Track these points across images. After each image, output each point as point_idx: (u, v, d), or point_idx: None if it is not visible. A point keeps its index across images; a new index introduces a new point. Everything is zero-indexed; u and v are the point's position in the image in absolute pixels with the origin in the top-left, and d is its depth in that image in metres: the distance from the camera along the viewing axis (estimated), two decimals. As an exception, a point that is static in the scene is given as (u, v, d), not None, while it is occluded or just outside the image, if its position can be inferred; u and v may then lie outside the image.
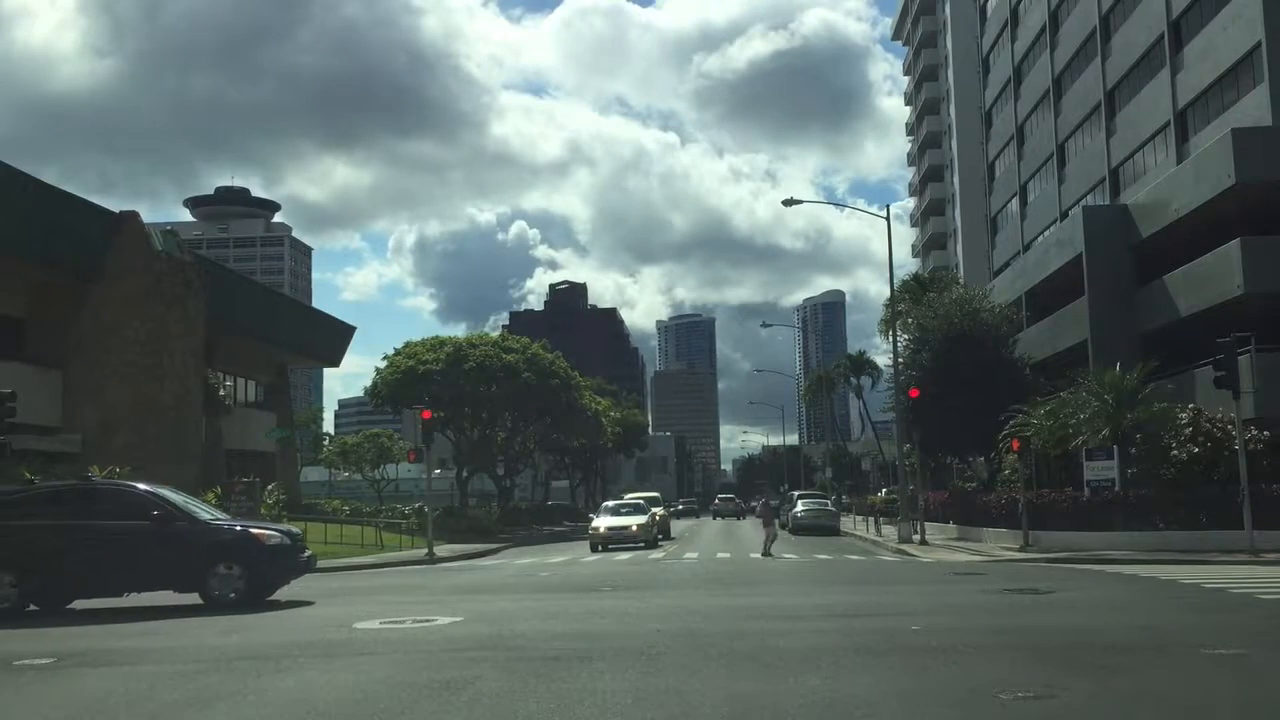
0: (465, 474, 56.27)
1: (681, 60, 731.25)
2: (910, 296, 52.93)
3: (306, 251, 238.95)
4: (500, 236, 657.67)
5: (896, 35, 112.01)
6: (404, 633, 13.00)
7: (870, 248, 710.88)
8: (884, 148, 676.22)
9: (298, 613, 15.92)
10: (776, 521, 36.19)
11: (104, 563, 16.79)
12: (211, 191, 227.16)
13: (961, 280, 61.92)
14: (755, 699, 8.31)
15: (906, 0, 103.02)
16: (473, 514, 51.98)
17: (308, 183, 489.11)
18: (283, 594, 17.92)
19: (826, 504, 54.29)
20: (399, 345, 55.68)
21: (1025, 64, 60.30)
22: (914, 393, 37.17)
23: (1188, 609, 14.66)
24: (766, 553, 30.45)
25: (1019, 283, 50.26)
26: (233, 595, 16.63)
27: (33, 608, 16.79)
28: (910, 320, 45.25)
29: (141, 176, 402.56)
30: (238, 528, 18.11)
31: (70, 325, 38.46)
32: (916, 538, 35.04)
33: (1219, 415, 28.40)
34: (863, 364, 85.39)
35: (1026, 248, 56.85)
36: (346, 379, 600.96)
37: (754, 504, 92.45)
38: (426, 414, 35.46)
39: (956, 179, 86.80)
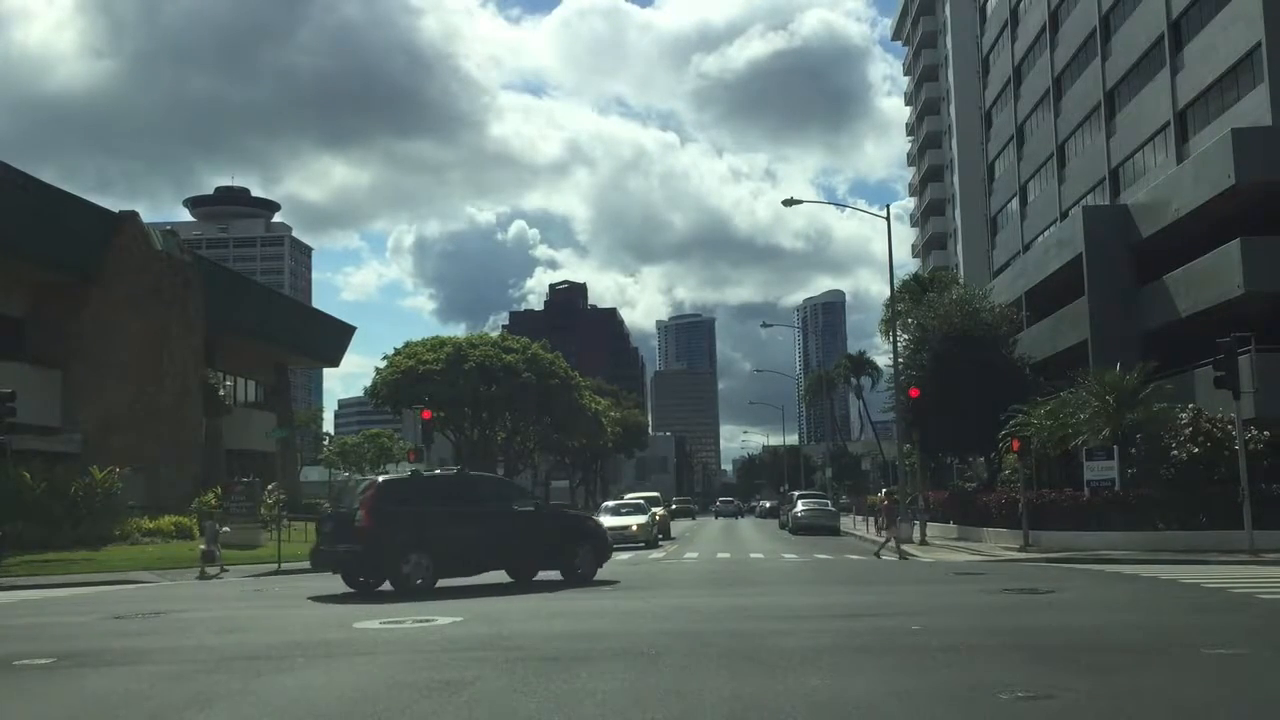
0: (465, 474, 56.25)
1: (680, 60, 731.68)
2: (910, 296, 52.95)
3: (306, 251, 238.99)
4: (500, 236, 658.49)
5: (896, 35, 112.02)
6: (404, 633, 13.00)
7: (870, 248, 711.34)
8: (884, 148, 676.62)
9: (298, 613, 15.92)
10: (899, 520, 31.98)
11: (495, 543, 19.08)
12: (210, 191, 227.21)
13: (961, 280, 61.92)
14: (755, 699, 8.31)
15: (906, 0, 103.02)
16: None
17: (307, 183, 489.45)
18: (278, 595, 17.90)
19: (826, 504, 54.31)
20: (399, 345, 55.86)
21: (1025, 64, 60.29)
22: (914, 393, 37.17)
23: (1188, 609, 14.66)
24: (902, 555, 28.01)
25: (1019, 283, 50.25)
26: (580, 572, 19.52)
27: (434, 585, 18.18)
28: (910, 320, 45.25)
29: (140, 176, 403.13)
30: (585, 517, 22.91)
31: (70, 325, 38.48)
32: (917, 538, 35.03)
33: (1219, 415, 28.40)
34: (863, 364, 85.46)
35: (1026, 248, 56.84)
36: (346, 379, 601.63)
37: (763, 503, 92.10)
38: (426, 414, 35.49)
39: (956, 179, 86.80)
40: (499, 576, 19.64)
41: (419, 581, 17.89)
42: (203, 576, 24.54)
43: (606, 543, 21.32)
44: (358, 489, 19.75)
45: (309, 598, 17.98)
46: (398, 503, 18.63)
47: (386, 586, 18.54)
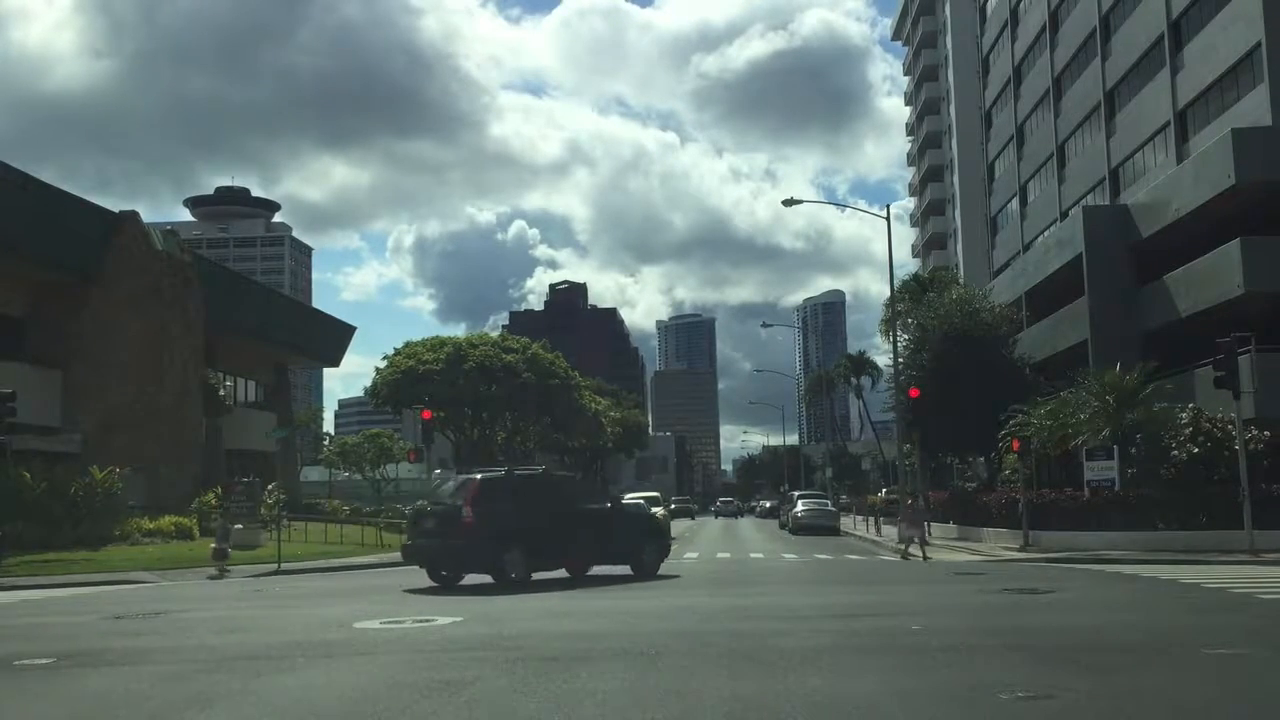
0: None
1: (680, 60, 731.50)
2: (910, 296, 52.97)
3: (306, 251, 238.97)
4: (500, 236, 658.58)
5: (896, 35, 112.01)
6: (404, 633, 13.00)
7: (870, 248, 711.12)
8: (884, 148, 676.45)
9: (298, 613, 15.92)
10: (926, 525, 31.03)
11: (580, 538, 20.20)
12: (210, 191, 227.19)
13: (961, 280, 61.92)
14: (755, 699, 8.31)
15: (906, 0, 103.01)
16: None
17: (306, 183, 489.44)
18: (279, 595, 17.91)
19: (826, 504, 54.31)
20: (399, 345, 55.78)
21: (1025, 64, 60.29)
22: (914, 393, 37.18)
23: (1188, 609, 14.66)
24: (923, 556, 27.42)
25: (1019, 283, 50.26)
26: (647, 567, 20.83)
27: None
28: (910, 320, 45.29)
29: (139, 176, 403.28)
30: (651, 515, 24.06)
31: (70, 325, 38.46)
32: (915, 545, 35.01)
33: (1219, 415, 28.41)
34: (863, 364, 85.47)
35: (1026, 248, 56.85)
36: (346, 379, 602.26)
37: (763, 503, 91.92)
38: (426, 414, 35.51)
39: (956, 179, 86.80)
40: (484, 574, 19.61)
41: (514, 575, 19.06)
42: (220, 575, 24.62)
43: (668, 540, 23.47)
44: (444, 486, 21.57)
45: (309, 598, 17.96)
46: (496, 500, 19.52)
47: (471, 579, 19.38)
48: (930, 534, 35.17)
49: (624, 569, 20.98)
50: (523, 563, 19.25)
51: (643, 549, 21.23)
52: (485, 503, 19.17)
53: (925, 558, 27.37)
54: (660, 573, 21.22)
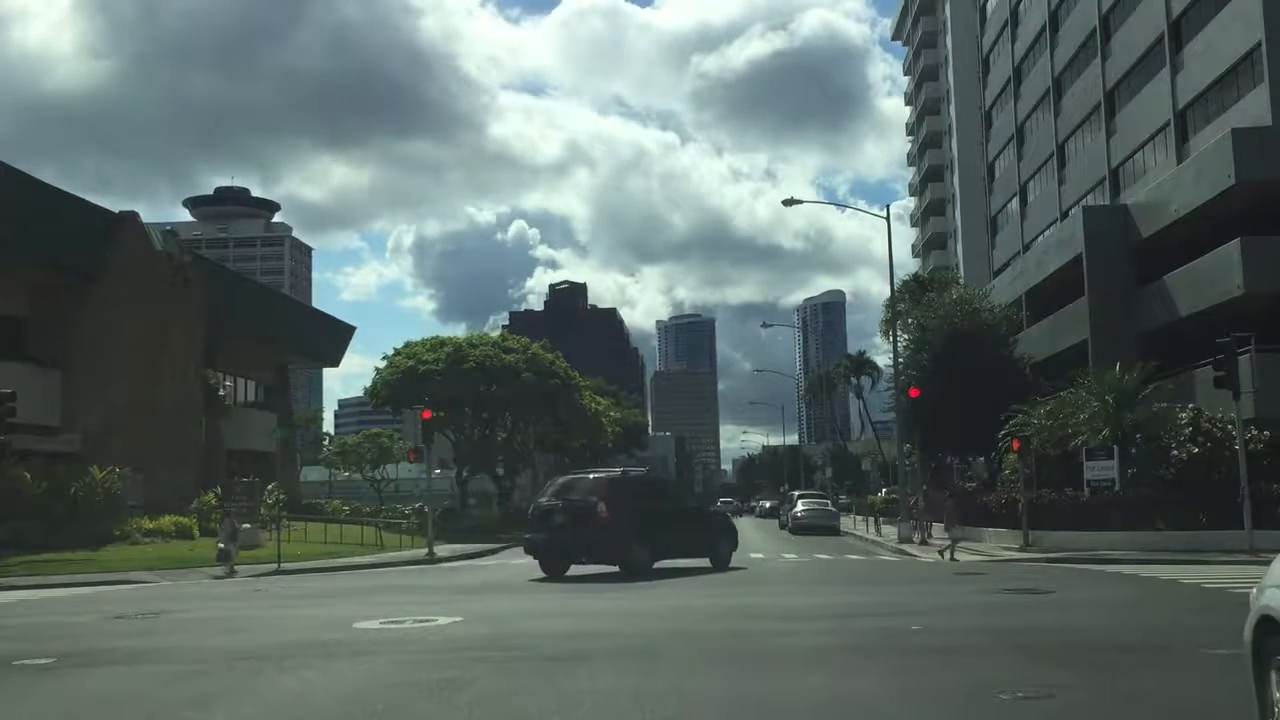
0: (465, 474, 56.22)
1: (680, 60, 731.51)
2: (910, 296, 52.93)
3: (306, 251, 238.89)
4: (500, 236, 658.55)
5: (896, 35, 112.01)
6: (404, 633, 13.00)
7: (870, 248, 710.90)
8: (884, 148, 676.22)
9: (298, 613, 15.92)
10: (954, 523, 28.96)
11: (680, 535, 22.65)
12: (209, 191, 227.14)
13: (961, 280, 61.92)
14: (755, 699, 8.31)
15: (906, 1, 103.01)
16: (473, 514, 51.91)
17: (306, 183, 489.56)
18: (279, 595, 17.91)
19: (827, 504, 54.27)
20: (399, 345, 55.62)
21: (1025, 64, 60.29)
22: (914, 393, 37.18)
23: (1187, 609, 14.66)
24: (952, 557, 26.69)
25: (1019, 283, 50.25)
26: (722, 560, 23.02)
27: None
28: (910, 320, 45.28)
29: (138, 176, 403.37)
30: (725, 514, 27.23)
31: (70, 325, 38.46)
32: (917, 538, 35.04)
33: (1219, 415, 28.40)
34: (863, 364, 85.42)
35: (1026, 248, 56.85)
36: (346, 379, 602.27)
37: (763, 503, 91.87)
38: (426, 414, 35.43)
39: (956, 179, 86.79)
40: (489, 574, 19.65)
41: (640, 563, 21.35)
42: (228, 574, 24.63)
43: (737, 537, 25.51)
44: (562, 485, 23.26)
45: (309, 598, 17.96)
46: (622, 497, 21.75)
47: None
48: (931, 534, 35.21)
49: (704, 561, 23.22)
50: (647, 553, 21.58)
51: (719, 544, 23.75)
52: (615, 500, 21.34)
53: (953, 558, 26.86)
54: (731, 565, 23.63)
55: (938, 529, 37.78)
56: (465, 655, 10.79)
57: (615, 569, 21.52)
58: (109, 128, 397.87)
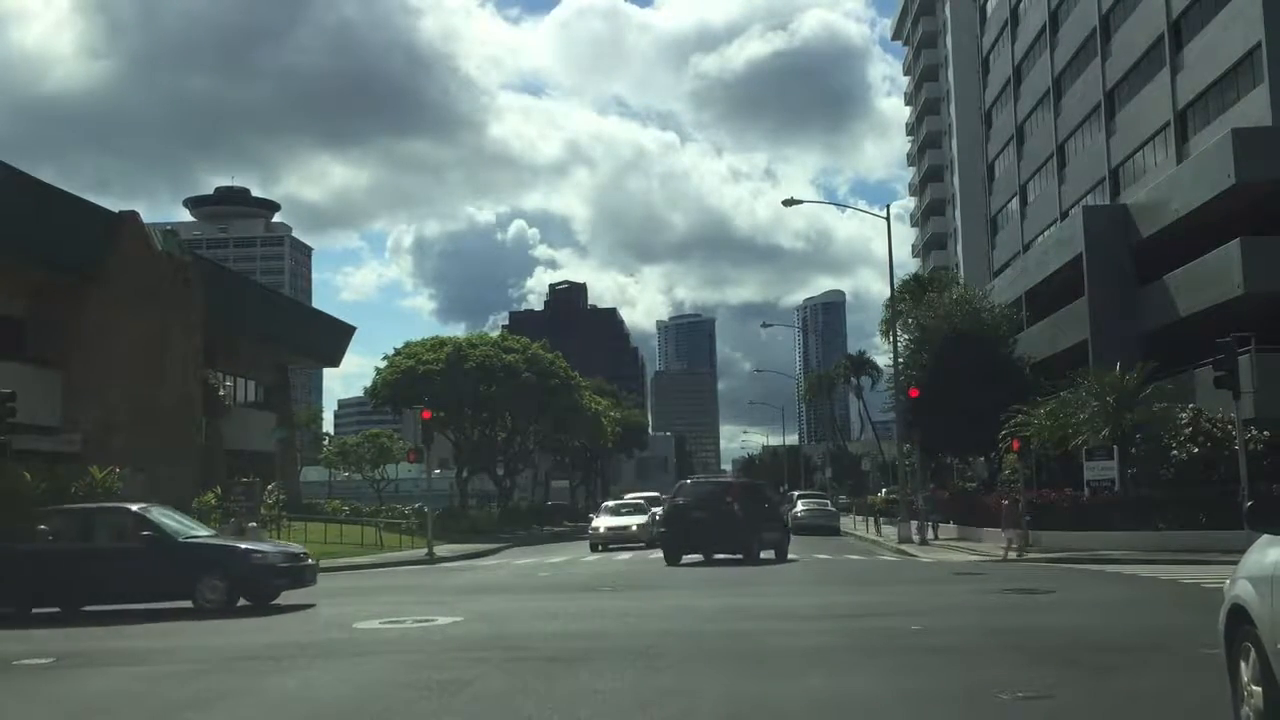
0: (465, 474, 56.25)
1: (679, 61, 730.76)
2: (910, 296, 52.92)
3: (306, 251, 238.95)
4: (499, 236, 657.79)
5: (896, 35, 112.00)
6: (404, 633, 13.00)
7: (870, 248, 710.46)
8: (883, 148, 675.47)
9: (298, 613, 15.92)
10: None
11: (769, 532, 27.70)
12: (209, 191, 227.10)
13: (961, 280, 61.92)
14: (755, 699, 8.32)
15: (906, 1, 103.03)
16: (473, 514, 51.92)
17: (305, 182, 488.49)
18: (286, 595, 17.91)
19: (827, 504, 54.30)
20: (399, 345, 55.66)
21: (1025, 64, 60.28)
22: (914, 393, 37.19)
23: (1187, 609, 14.65)
24: (1020, 555, 26.55)
25: (1019, 283, 50.25)
26: (784, 553, 27.24)
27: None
28: (910, 320, 45.27)
29: (138, 176, 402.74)
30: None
31: (70, 325, 38.44)
32: (917, 538, 35.05)
33: (1219, 415, 28.38)
34: (863, 364, 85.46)
35: (1026, 248, 56.85)
36: (346, 379, 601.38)
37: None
38: (426, 414, 35.46)
39: (956, 179, 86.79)
40: (489, 574, 19.65)
41: (754, 555, 26.06)
42: None
43: (790, 533, 30.64)
44: (686, 489, 29.15)
45: (309, 598, 17.95)
46: (745, 500, 27.67)
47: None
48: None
49: (770, 553, 26.78)
50: (758, 545, 26.33)
51: (782, 540, 28.00)
52: (744, 502, 27.36)
53: (1021, 556, 26.34)
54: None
55: (946, 529, 37.84)
56: (465, 655, 10.79)
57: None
58: (108, 128, 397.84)
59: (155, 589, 16.31)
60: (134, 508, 17.88)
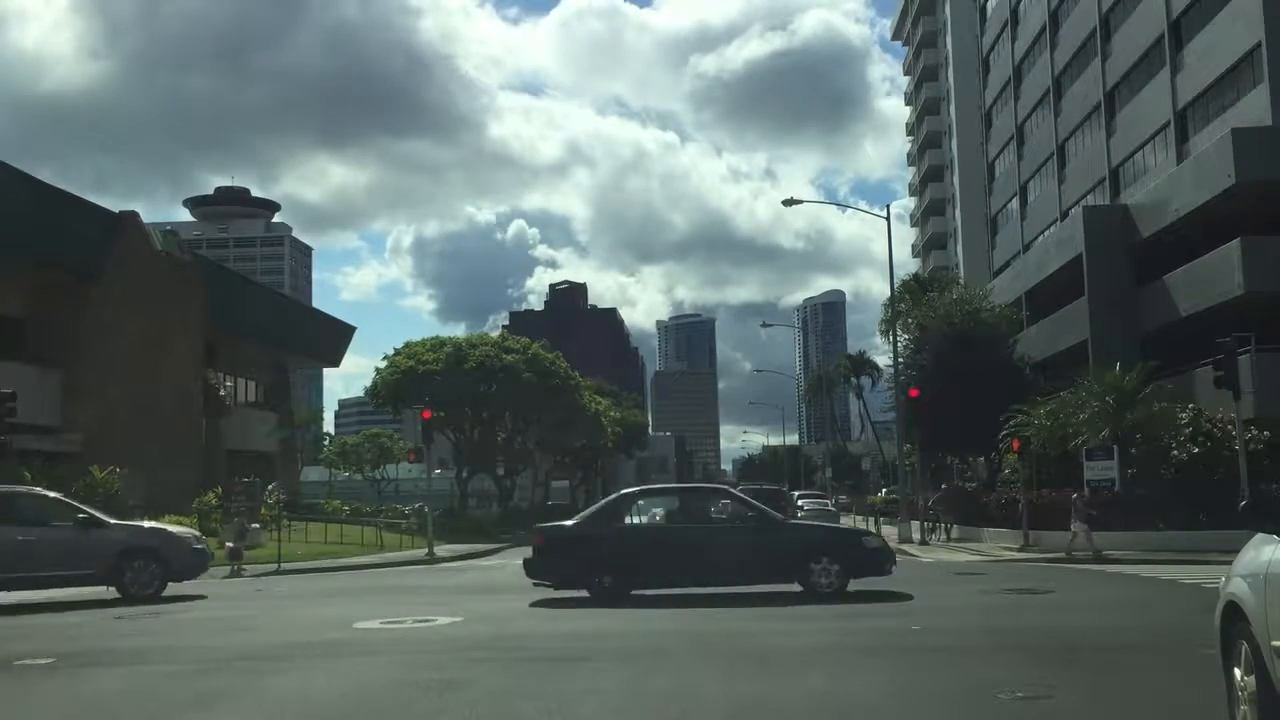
0: (465, 474, 56.23)
1: (679, 61, 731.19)
2: (910, 296, 52.93)
3: (306, 251, 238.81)
4: (499, 236, 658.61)
5: (896, 35, 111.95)
6: (404, 633, 13.01)
7: (871, 248, 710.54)
8: (883, 148, 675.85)
9: (298, 613, 15.93)
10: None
11: None
12: (209, 191, 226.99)
13: (961, 280, 61.89)
14: (755, 699, 8.31)
15: (906, 1, 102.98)
16: (473, 514, 51.89)
17: (305, 183, 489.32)
18: (279, 595, 17.93)
19: (827, 504, 54.22)
20: (399, 345, 55.65)
21: (1025, 64, 60.26)
22: (914, 393, 37.19)
23: (1187, 609, 14.63)
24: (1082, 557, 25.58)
25: (1019, 283, 50.24)
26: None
27: None
28: (910, 320, 45.27)
29: (137, 176, 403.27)
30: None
31: (70, 325, 38.47)
32: (917, 538, 35.05)
33: (1219, 415, 28.38)
34: (863, 364, 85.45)
35: (1026, 248, 56.83)
36: (346, 379, 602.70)
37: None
38: (426, 414, 35.46)
39: (956, 179, 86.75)
40: (489, 574, 19.64)
41: None
42: (236, 573, 24.67)
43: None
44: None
45: (309, 598, 17.92)
46: (780, 503, 30.44)
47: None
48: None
49: None
50: None
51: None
52: (778, 505, 27.67)
53: (1089, 551, 25.69)
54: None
55: (966, 530, 37.76)
56: (466, 655, 10.80)
57: None
58: (108, 128, 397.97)
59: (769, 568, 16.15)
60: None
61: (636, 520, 17.07)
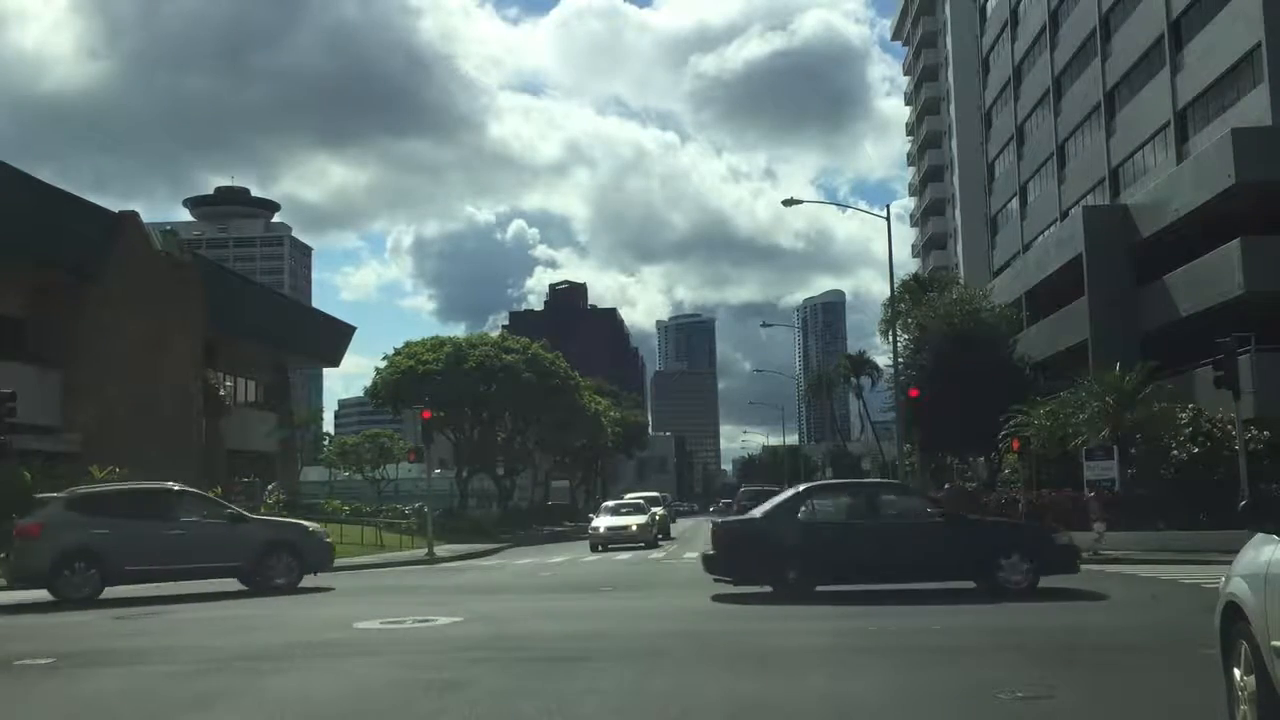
0: (465, 474, 56.22)
1: (679, 60, 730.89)
2: (910, 296, 52.94)
3: (306, 251, 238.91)
4: (499, 236, 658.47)
5: (896, 35, 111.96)
6: (404, 633, 13.01)
7: (871, 248, 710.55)
8: (883, 148, 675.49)
9: (298, 613, 15.92)
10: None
11: None
12: (209, 191, 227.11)
13: (961, 280, 61.91)
14: (755, 699, 8.32)
15: (906, 1, 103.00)
16: (473, 514, 51.86)
17: (304, 183, 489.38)
18: (282, 595, 17.93)
19: (826, 504, 54.23)
20: (399, 345, 55.65)
21: (1025, 64, 60.27)
22: (914, 393, 37.18)
23: (1187, 609, 14.64)
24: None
25: (1019, 283, 50.24)
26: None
27: None
28: (910, 320, 45.29)
29: (137, 176, 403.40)
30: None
31: (70, 325, 38.46)
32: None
33: (1219, 415, 28.38)
34: (863, 364, 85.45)
35: (1026, 248, 56.84)
36: (346, 379, 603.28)
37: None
38: (426, 414, 35.46)
39: (956, 179, 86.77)
40: (489, 574, 19.65)
41: None
42: None
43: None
44: (748, 495, 31.23)
45: (309, 598, 17.95)
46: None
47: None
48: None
49: None
50: None
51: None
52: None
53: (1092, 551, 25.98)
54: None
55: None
56: (465, 655, 10.80)
57: None
58: (107, 128, 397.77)
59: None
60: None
61: (818, 516, 16.82)
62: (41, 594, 18.21)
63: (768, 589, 16.02)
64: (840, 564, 16.05)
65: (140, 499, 19.65)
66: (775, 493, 25.56)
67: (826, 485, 21.04)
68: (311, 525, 21.75)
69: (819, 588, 15.80)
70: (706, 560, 17.09)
